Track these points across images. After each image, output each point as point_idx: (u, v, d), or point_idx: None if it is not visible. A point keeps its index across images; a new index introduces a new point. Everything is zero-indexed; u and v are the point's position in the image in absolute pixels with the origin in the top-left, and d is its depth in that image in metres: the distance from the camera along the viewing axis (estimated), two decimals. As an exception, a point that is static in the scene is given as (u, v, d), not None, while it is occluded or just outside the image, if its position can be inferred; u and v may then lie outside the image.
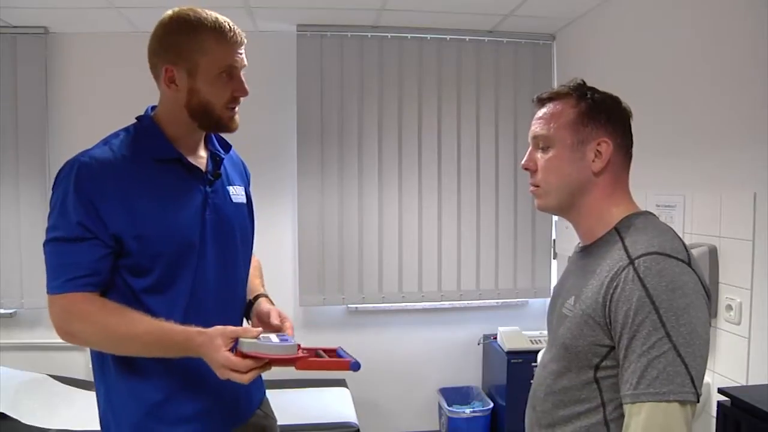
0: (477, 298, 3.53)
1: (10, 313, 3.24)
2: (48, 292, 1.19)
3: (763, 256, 1.90)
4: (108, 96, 3.26)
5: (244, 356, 1.11)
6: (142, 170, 1.24)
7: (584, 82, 1.15)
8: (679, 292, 0.96)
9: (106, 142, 1.27)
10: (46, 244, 1.20)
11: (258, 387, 1.46)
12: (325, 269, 3.37)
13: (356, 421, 2.77)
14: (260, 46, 2.97)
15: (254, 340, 1.13)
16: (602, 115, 1.11)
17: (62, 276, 1.17)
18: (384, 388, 3.49)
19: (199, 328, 1.15)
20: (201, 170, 1.32)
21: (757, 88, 1.91)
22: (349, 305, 3.46)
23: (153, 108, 1.34)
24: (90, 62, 3.28)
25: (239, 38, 1.25)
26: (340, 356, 1.22)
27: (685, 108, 2.30)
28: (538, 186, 1.16)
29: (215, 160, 1.37)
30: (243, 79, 1.28)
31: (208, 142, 1.39)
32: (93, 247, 1.17)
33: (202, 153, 1.36)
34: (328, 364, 1.21)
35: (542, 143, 1.14)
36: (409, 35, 3.39)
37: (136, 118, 1.33)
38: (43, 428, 2.56)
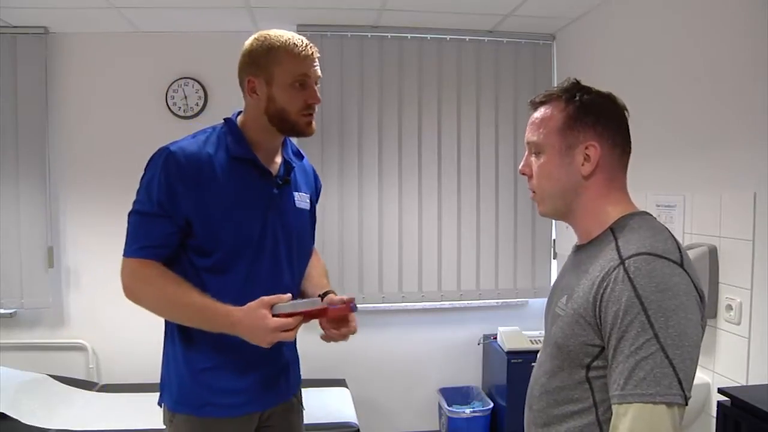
0: (477, 298, 3.53)
1: (10, 313, 3.25)
2: (123, 255, 1.37)
3: (763, 256, 1.90)
4: (108, 96, 3.27)
5: (287, 316, 1.28)
6: (220, 165, 1.38)
7: (577, 82, 1.14)
8: (668, 293, 0.95)
9: (194, 135, 1.43)
10: (130, 214, 1.38)
11: (296, 375, 1.61)
12: (324, 269, 3.36)
13: (356, 421, 2.77)
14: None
15: (290, 303, 1.31)
16: (590, 117, 1.09)
17: (136, 243, 1.36)
18: (384, 388, 3.49)
19: (238, 306, 1.30)
20: (272, 174, 1.46)
21: (756, 89, 1.91)
22: (349, 305, 3.45)
23: (239, 113, 1.47)
24: (90, 62, 3.28)
25: (311, 52, 1.40)
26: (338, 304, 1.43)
27: (685, 108, 2.30)
28: (535, 192, 1.17)
29: (287, 167, 1.50)
30: (316, 88, 1.41)
31: (284, 151, 1.52)
32: (166, 224, 1.35)
33: (277, 159, 1.50)
34: (344, 310, 1.41)
35: (534, 149, 1.15)
36: (409, 35, 3.39)
37: (224, 119, 1.46)
38: (43, 428, 2.56)
